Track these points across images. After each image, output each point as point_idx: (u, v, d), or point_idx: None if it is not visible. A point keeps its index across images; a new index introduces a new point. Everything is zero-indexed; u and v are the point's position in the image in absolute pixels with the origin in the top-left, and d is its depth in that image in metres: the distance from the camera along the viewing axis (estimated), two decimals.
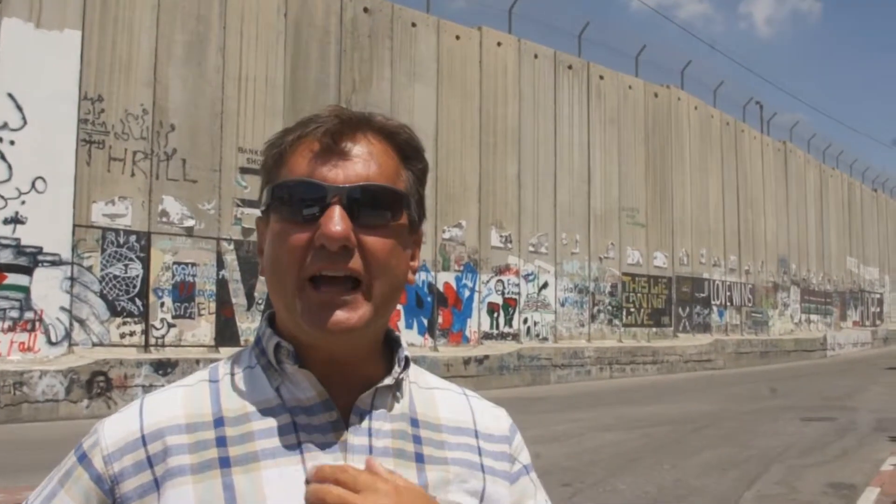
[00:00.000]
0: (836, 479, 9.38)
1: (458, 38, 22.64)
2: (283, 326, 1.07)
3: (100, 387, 14.26)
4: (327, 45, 19.56)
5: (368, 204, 1.01)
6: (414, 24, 21.61)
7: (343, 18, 19.94)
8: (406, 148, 1.09)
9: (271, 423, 1.03)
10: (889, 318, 52.45)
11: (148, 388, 14.70)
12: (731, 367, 29.75)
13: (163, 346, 16.13)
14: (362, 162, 1.03)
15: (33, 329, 14.46)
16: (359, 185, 1.01)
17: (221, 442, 1.01)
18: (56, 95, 14.90)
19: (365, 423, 1.05)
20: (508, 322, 23.04)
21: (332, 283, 1.00)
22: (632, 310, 27.27)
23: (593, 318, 25.69)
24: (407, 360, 1.13)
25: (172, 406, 1.04)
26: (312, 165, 1.02)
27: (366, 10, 20.49)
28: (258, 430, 1.02)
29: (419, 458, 1.08)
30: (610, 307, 26.37)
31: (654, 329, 28.08)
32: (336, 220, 0.97)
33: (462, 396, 1.22)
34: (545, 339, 23.85)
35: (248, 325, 17.40)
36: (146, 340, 15.96)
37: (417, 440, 1.10)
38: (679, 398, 18.63)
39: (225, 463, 0.99)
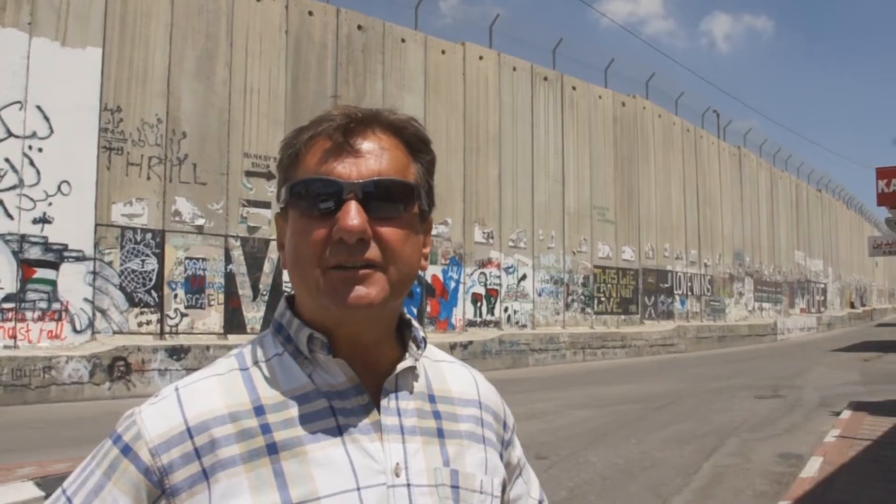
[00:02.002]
0: (785, 450, 9.48)
1: (443, 52, 22.66)
2: (305, 313, 1.05)
3: (120, 370, 14.27)
4: (325, 59, 19.56)
5: (382, 197, 0.99)
6: (403, 40, 21.61)
7: (339, 35, 19.93)
8: (414, 141, 1.07)
9: (310, 408, 1.00)
10: (832, 306, 52.72)
11: (163, 372, 14.75)
12: (692, 350, 29.77)
13: (176, 333, 16.14)
14: (374, 157, 1.01)
15: (60, 319, 14.48)
16: (372, 180, 0.99)
17: (266, 429, 0.97)
18: (79, 107, 14.89)
19: (393, 404, 1.04)
20: (490, 311, 23.10)
21: (351, 271, 0.99)
22: (602, 299, 27.33)
23: (567, 306, 25.74)
24: (424, 341, 1.12)
25: (210, 396, 1.00)
26: (327, 163, 1.00)
27: (360, 27, 20.51)
28: (299, 415, 0.99)
29: (440, 434, 1.08)
30: (583, 297, 26.44)
31: (622, 316, 28.13)
32: (353, 215, 0.96)
33: (464, 369, 1.22)
34: (524, 325, 23.92)
35: (254, 314, 17.43)
36: (161, 328, 15.98)
37: (437, 416, 1.09)
38: (645, 379, 18.67)
39: (272, 450, 0.96)
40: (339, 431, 1.00)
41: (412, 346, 1.10)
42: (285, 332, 1.06)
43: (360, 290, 0.97)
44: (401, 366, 1.06)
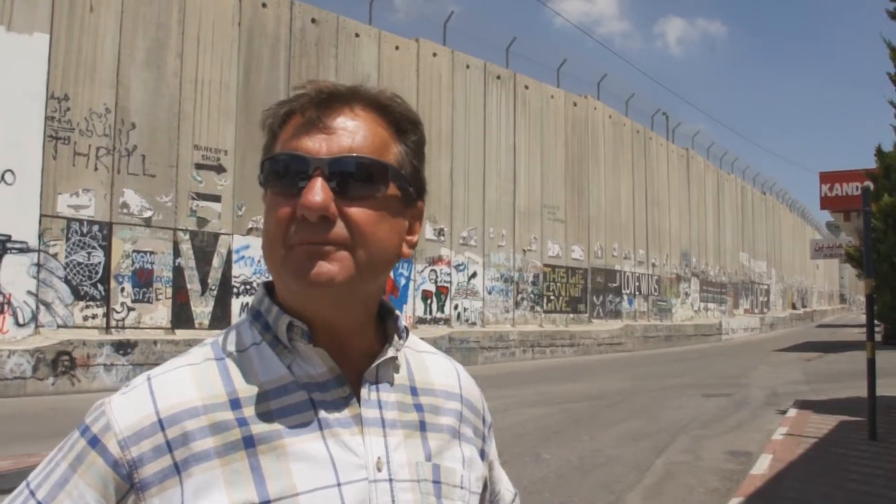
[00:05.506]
0: (735, 448, 9.68)
1: (397, 48, 22.65)
2: (281, 300, 1.00)
3: (64, 365, 14.01)
4: (277, 52, 19.40)
5: (353, 175, 0.94)
6: (357, 35, 21.54)
7: (292, 28, 19.80)
8: (399, 120, 1.02)
9: (288, 400, 0.96)
10: (774, 307, 53.91)
11: (109, 367, 14.53)
12: (639, 349, 30.25)
13: (123, 328, 15.85)
14: (347, 134, 0.96)
15: (2, 312, 14.10)
16: (340, 157, 0.94)
17: (242, 422, 0.93)
18: (25, 94, 14.53)
19: (374, 396, 1.01)
20: (441, 308, 23.17)
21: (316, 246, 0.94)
22: (552, 298, 27.56)
23: (517, 304, 25.93)
24: (406, 330, 1.08)
25: (184, 387, 0.95)
26: (298, 139, 0.96)
27: (313, 20, 20.39)
28: (277, 408, 0.95)
29: (422, 427, 1.04)
30: (532, 295, 26.65)
31: (571, 315, 28.39)
32: (315, 192, 0.91)
33: (447, 360, 1.18)
34: (474, 323, 24.03)
35: (202, 309, 17.24)
36: (107, 323, 15.69)
37: (419, 408, 1.06)
38: (594, 377, 18.86)
39: (249, 443, 0.92)
40: (318, 425, 0.95)
41: (394, 336, 1.06)
42: (263, 320, 1.02)
43: (322, 266, 0.92)
44: (382, 356, 1.02)
